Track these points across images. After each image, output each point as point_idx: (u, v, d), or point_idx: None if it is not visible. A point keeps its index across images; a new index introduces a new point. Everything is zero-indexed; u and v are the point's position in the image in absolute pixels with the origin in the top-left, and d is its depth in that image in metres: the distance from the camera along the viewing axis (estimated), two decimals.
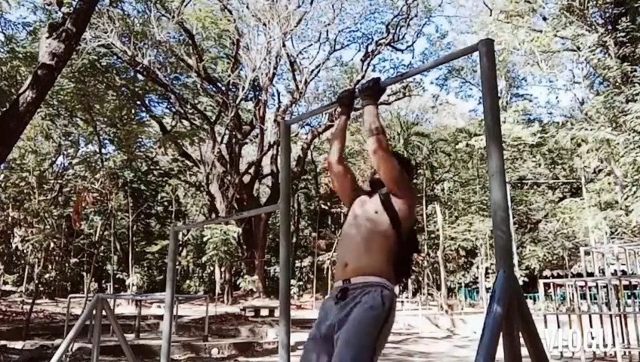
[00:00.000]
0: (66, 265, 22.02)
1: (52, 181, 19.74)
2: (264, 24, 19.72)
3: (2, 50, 15.02)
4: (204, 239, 18.26)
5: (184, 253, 25.00)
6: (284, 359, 2.44)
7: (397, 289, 2.15)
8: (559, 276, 15.94)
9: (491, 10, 20.43)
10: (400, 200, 2.17)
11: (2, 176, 16.18)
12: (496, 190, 1.73)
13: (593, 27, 16.13)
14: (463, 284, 24.46)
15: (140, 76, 19.55)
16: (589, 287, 9.53)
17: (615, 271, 11.41)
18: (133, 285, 18.60)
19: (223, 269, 19.65)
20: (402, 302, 18.41)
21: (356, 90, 2.36)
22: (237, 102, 20.15)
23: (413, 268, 24.08)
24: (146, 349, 8.44)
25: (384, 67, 27.61)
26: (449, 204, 26.96)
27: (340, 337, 1.93)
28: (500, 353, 1.55)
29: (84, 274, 21.97)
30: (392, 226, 2.12)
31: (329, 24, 22.65)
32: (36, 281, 16.19)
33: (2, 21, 15.08)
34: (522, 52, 18.73)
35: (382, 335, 1.94)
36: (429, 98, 30.17)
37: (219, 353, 9.12)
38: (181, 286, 24.66)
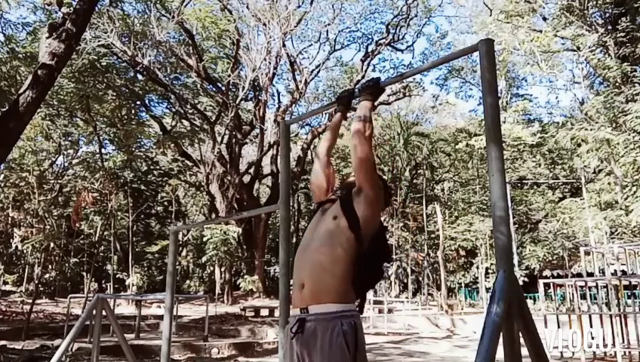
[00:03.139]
0: (66, 265, 22.03)
1: (52, 181, 19.72)
2: (264, 24, 19.71)
3: (2, 50, 15.00)
4: (204, 239, 18.26)
5: (184, 253, 24.98)
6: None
7: (360, 305, 1.96)
8: (559, 276, 15.91)
9: (491, 10, 20.43)
10: (362, 199, 1.98)
11: (2, 176, 16.18)
12: (496, 190, 1.72)
13: (593, 27, 16.14)
14: (463, 284, 24.46)
15: (139, 76, 19.53)
16: (589, 287, 9.54)
17: (615, 271, 11.41)
18: (133, 285, 18.59)
19: (223, 269, 19.65)
20: (402, 302, 18.40)
21: (356, 90, 2.33)
22: (237, 102, 20.14)
23: (414, 268, 24.17)
24: (146, 349, 8.46)
25: (384, 67, 27.66)
26: (449, 204, 27.02)
27: None
28: (500, 353, 1.55)
29: (84, 274, 21.99)
30: (351, 231, 1.91)
31: (329, 24, 22.65)
32: (36, 281, 16.18)
33: (2, 21, 15.06)
34: (522, 52, 18.75)
35: None
36: (429, 98, 30.19)
37: (219, 353, 9.12)
38: (181, 286, 24.65)
